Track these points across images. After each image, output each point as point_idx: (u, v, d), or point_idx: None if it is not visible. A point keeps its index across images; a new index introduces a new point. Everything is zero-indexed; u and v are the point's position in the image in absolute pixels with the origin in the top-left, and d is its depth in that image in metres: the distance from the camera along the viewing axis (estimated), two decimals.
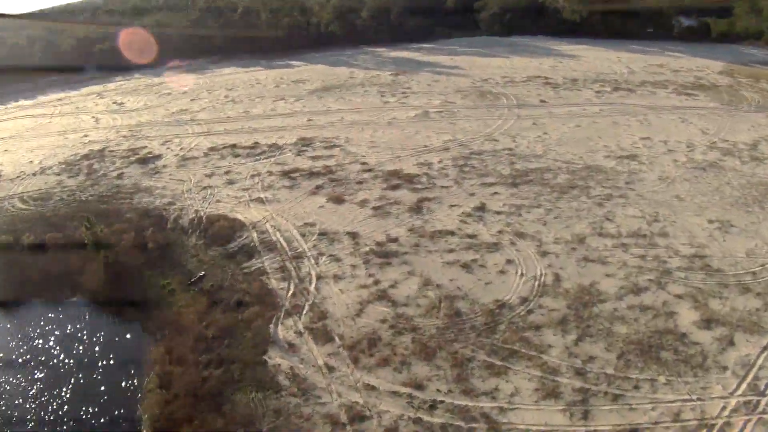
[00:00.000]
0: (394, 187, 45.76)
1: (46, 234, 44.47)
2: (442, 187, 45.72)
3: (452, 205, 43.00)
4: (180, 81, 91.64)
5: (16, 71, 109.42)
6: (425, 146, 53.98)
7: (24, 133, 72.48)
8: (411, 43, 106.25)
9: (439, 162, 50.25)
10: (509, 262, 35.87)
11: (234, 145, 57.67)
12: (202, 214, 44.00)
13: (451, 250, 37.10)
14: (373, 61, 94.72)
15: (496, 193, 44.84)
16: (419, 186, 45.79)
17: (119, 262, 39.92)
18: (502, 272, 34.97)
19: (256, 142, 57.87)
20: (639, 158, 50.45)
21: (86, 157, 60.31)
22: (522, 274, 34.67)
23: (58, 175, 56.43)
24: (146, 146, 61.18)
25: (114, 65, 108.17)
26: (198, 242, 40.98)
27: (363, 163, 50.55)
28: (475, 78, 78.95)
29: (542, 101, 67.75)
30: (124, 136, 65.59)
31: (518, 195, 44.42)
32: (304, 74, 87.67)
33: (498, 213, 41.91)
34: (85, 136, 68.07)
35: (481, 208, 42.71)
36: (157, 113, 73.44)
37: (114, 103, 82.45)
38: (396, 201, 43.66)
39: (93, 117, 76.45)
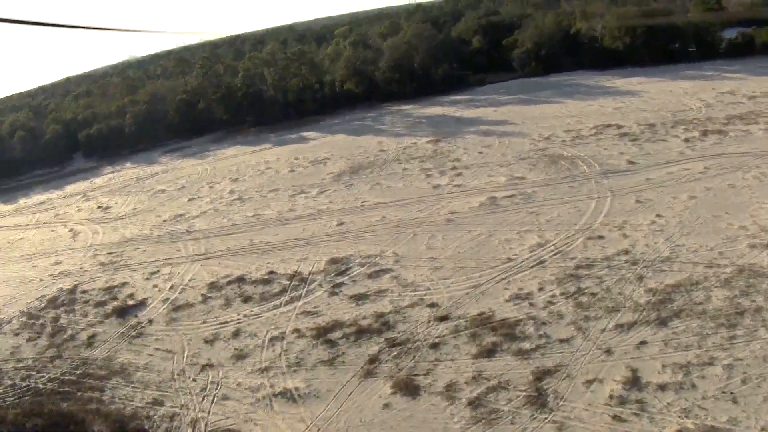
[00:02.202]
0: (490, 351, 29.60)
1: None
2: (561, 341, 29.52)
3: (589, 381, 26.92)
4: (176, 171, 76.46)
5: None
6: (509, 260, 37.86)
7: None
8: (441, 96, 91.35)
9: (540, 289, 34.10)
10: None
11: (242, 279, 42.00)
12: (201, 426, 27.53)
13: None
14: (402, 123, 79.35)
15: (642, 343, 28.88)
16: (527, 344, 29.64)
17: None
18: None
19: (272, 272, 42.22)
20: None
21: (53, 302, 45.88)
22: None
23: (17, 335, 41.97)
24: (127, 282, 46.59)
25: (103, 153, 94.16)
26: None
27: (431, 305, 34.33)
28: (534, 136, 63.37)
29: (630, 162, 52.53)
30: (102, 264, 51.25)
31: (674, 341, 28.59)
32: (323, 150, 72.20)
33: (661, 387, 26.00)
34: (57, 263, 53.89)
35: (635, 380, 26.70)
36: (147, 222, 58.49)
37: (99, 207, 68.60)
38: (500, 382, 27.62)
39: (71, 230, 62.65)
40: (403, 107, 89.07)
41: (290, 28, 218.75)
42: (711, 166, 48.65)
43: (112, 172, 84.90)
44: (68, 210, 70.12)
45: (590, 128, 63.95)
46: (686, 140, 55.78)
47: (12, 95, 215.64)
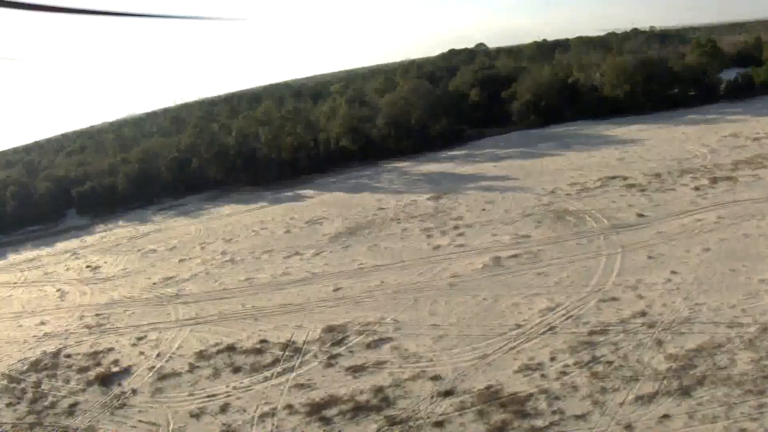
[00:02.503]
0: (500, 430, 26.70)
1: None
2: (577, 417, 27.23)
3: None
4: (168, 231, 74.33)
5: None
6: (518, 326, 35.44)
7: None
8: (439, 151, 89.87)
9: (552, 359, 31.61)
10: None
11: (232, 347, 39.49)
12: None
13: None
14: (400, 180, 77.59)
15: (665, 416, 26.32)
16: (539, 421, 27.43)
17: None
18: None
19: (264, 340, 39.76)
20: None
21: (35, 365, 43.37)
22: None
23: None
24: (113, 347, 44.04)
25: (96, 210, 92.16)
26: None
27: (434, 378, 31.79)
28: (537, 191, 61.63)
29: (640, 215, 50.86)
30: (88, 327, 48.77)
31: (699, 413, 26.12)
32: (319, 209, 70.14)
33: None
34: (42, 323, 51.53)
35: None
36: (136, 284, 56.04)
37: (88, 266, 66.26)
38: None
39: (59, 289, 60.10)
40: (400, 164, 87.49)
41: (286, 85, 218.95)
42: (724, 216, 47.02)
43: (104, 230, 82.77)
44: (57, 269, 67.87)
45: (595, 180, 62.60)
46: (696, 189, 54.54)
47: (7, 150, 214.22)
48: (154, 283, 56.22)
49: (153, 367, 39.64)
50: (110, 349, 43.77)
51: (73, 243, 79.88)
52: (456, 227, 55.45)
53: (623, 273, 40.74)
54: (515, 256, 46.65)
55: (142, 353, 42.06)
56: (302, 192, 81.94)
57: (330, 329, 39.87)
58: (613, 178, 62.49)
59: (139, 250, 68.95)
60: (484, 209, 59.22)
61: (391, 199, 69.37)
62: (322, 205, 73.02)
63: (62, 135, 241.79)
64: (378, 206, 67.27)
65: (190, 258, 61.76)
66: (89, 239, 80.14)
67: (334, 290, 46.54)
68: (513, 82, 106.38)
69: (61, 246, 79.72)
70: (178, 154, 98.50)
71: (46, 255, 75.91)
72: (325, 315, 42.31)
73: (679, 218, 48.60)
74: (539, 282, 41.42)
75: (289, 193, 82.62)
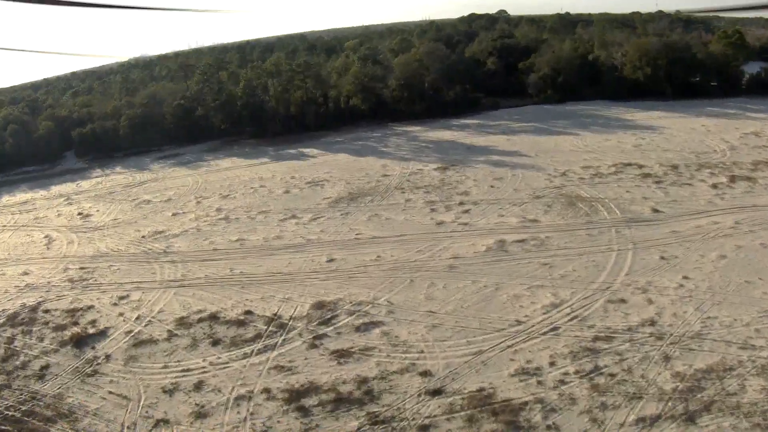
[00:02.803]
0: None
1: None
2: None
3: None
4: (166, 180, 72.02)
5: None
6: (518, 322, 33.07)
7: None
8: (451, 118, 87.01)
9: (552, 364, 29.44)
10: None
11: (215, 317, 37.33)
12: None
13: None
14: (408, 146, 74.93)
15: None
16: None
17: None
18: None
19: (249, 312, 37.54)
20: None
21: (13, 319, 41.41)
22: None
23: None
24: (93, 305, 42.04)
25: (95, 154, 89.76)
26: None
27: (423, 373, 29.57)
28: (549, 171, 58.98)
29: (655, 210, 47.97)
30: (71, 280, 46.76)
31: None
32: (321, 170, 67.76)
33: None
34: (25, 273, 49.53)
35: None
36: (125, 237, 54.12)
37: (79, 214, 64.46)
38: None
39: (46, 236, 58.17)
40: (410, 128, 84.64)
41: (302, 37, 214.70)
42: (742, 221, 44.16)
43: (101, 175, 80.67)
44: (48, 214, 66.01)
45: (609, 166, 59.92)
46: (713, 186, 51.76)
47: (15, 86, 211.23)
48: (143, 237, 54.22)
49: (130, 331, 37.67)
50: (90, 307, 41.94)
51: (68, 187, 78.11)
52: (461, 203, 53.02)
53: (633, 272, 38.32)
54: (521, 241, 44.26)
55: (121, 315, 40.12)
56: (306, 150, 79.49)
57: (319, 305, 37.72)
58: (629, 165, 59.87)
59: (133, 200, 66.98)
60: (492, 186, 56.71)
61: (397, 165, 66.88)
62: (325, 165, 70.67)
63: (71, 74, 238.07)
64: (382, 172, 64.82)
65: (183, 212, 59.69)
66: (84, 184, 78.09)
67: (328, 261, 44.27)
68: (532, 54, 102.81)
69: (55, 189, 77.93)
70: (183, 101, 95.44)
71: (40, 198, 74.13)
72: (315, 288, 40.17)
73: (695, 218, 45.84)
74: (545, 273, 39.11)
75: (293, 151, 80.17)
